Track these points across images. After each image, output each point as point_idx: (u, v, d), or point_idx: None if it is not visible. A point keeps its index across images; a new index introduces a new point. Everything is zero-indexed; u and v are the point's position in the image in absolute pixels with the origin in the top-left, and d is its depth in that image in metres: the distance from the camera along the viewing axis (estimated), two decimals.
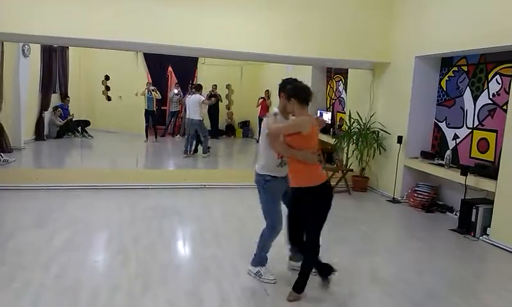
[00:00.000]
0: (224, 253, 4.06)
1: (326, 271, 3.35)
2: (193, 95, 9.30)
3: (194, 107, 9.10)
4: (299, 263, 3.53)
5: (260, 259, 3.57)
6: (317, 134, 3.21)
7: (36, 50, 9.69)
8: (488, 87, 5.52)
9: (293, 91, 3.19)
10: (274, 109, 3.51)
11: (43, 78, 10.36)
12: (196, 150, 9.64)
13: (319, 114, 9.63)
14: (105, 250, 4.13)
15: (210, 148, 9.78)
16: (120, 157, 9.46)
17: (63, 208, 5.26)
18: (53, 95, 10.96)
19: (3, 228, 4.48)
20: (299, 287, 3.21)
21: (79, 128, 11.62)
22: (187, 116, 9.43)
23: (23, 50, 8.89)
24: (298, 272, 3.27)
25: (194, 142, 9.56)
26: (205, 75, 12.87)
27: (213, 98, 11.65)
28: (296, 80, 3.38)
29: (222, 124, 13.52)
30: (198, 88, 9.61)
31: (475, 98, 5.72)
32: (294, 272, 3.52)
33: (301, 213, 3.22)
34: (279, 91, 3.43)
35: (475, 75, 5.74)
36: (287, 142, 3.14)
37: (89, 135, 11.58)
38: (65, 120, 11.26)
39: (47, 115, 10.80)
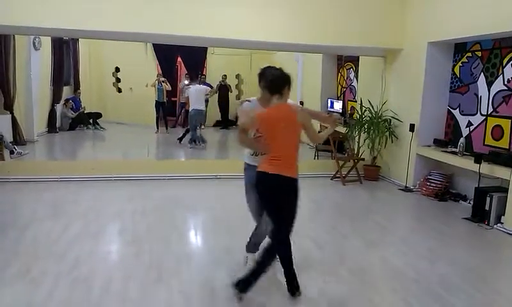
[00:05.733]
0: (237, 244, 4.06)
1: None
2: (199, 85, 9.25)
3: (201, 97, 9.05)
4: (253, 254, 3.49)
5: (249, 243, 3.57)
6: (271, 124, 2.97)
7: (46, 43, 9.75)
8: (502, 73, 5.41)
9: (264, 80, 3.09)
10: (253, 98, 3.39)
11: (54, 71, 10.42)
12: (181, 139, 9.65)
13: (329, 104, 9.57)
14: (119, 240, 4.19)
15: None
16: (131, 148, 9.53)
17: (76, 199, 5.33)
18: (65, 88, 11.04)
19: (19, 220, 4.56)
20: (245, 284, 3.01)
21: (91, 120, 11.71)
22: (192, 107, 9.17)
23: (34, 43, 8.95)
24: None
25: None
26: (215, 65, 12.83)
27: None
28: (271, 67, 3.20)
29: (232, 114, 13.50)
30: (195, 77, 9.60)
31: (489, 84, 5.61)
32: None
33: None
34: (260, 80, 3.25)
35: (489, 61, 5.63)
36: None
37: (101, 127, 11.66)
38: (77, 112, 11.36)
39: (59, 107, 10.90)
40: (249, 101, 3.33)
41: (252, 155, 3.30)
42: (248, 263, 3.43)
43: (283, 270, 3.11)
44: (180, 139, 9.66)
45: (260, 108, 3.20)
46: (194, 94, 9.16)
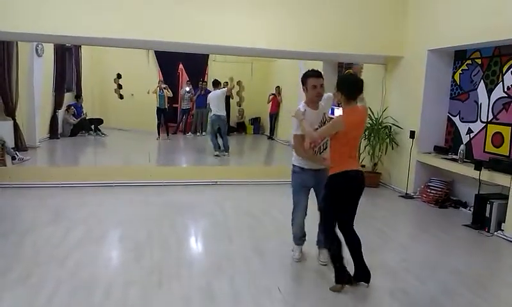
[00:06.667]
0: (236, 249, 4.08)
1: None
2: (216, 91, 9.28)
3: (219, 102, 9.08)
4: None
5: (293, 236, 3.85)
6: (355, 126, 3.20)
7: (49, 50, 9.81)
8: (502, 80, 5.43)
9: (340, 84, 3.19)
10: (300, 104, 3.54)
11: (56, 78, 10.48)
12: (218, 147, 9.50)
13: (330, 111, 9.55)
14: (119, 246, 4.19)
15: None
16: (132, 154, 9.55)
17: (77, 205, 5.34)
18: (66, 94, 11.09)
19: (20, 225, 4.57)
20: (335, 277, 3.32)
21: (92, 127, 11.76)
22: (213, 113, 9.16)
23: (36, 50, 9.01)
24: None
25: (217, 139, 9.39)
26: (216, 72, 12.87)
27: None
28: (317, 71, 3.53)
29: (233, 121, 13.54)
30: (217, 83, 9.62)
31: (489, 92, 5.63)
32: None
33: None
34: (302, 84, 3.54)
35: (489, 68, 5.65)
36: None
37: (102, 134, 11.71)
38: (79, 119, 11.40)
39: (61, 114, 10.94)
40: (301, 109, 3.47)
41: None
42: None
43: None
44: (217, 147, 9.41)
45: (311, 111, 3.47)
46: (213, 100, 9.19)
